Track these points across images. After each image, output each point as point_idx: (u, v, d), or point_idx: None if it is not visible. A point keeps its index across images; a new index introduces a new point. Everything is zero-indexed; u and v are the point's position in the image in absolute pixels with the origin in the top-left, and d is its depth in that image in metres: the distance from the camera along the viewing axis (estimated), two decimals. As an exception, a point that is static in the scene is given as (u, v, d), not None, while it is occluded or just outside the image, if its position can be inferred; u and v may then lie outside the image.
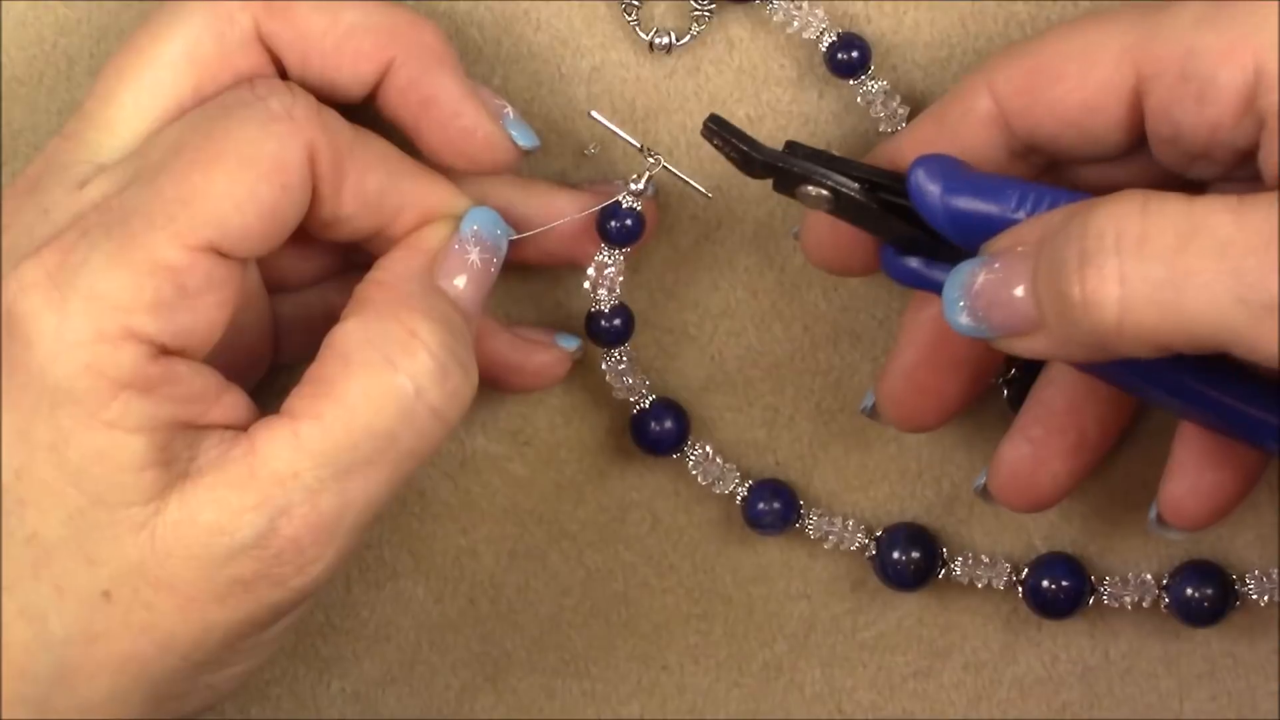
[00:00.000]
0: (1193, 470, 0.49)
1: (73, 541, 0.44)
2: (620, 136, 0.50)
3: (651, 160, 0.50)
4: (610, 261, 0.51)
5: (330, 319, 0.47)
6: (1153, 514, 0.51)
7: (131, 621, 0.45)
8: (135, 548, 0.44)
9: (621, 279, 0.51)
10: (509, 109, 0.49)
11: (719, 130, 0.47)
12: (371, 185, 0.47)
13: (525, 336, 0.52)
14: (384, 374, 0.45)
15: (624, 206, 0.50)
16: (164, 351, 0.45)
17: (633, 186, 0.50)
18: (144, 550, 0.44)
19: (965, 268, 0.44)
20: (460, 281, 0.48)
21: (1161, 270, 0.41)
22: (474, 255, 0.48)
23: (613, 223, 0.50)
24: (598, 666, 0.55)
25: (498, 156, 0.49)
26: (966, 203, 0.46)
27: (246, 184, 0.45)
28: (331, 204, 0.47)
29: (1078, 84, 0.46)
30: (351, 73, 0.48)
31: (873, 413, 0.52)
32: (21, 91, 0.53)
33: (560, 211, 0.51)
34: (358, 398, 0.45)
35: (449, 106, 0.48)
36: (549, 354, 0.52)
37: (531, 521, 0.54)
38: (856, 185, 0.47)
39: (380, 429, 0.45)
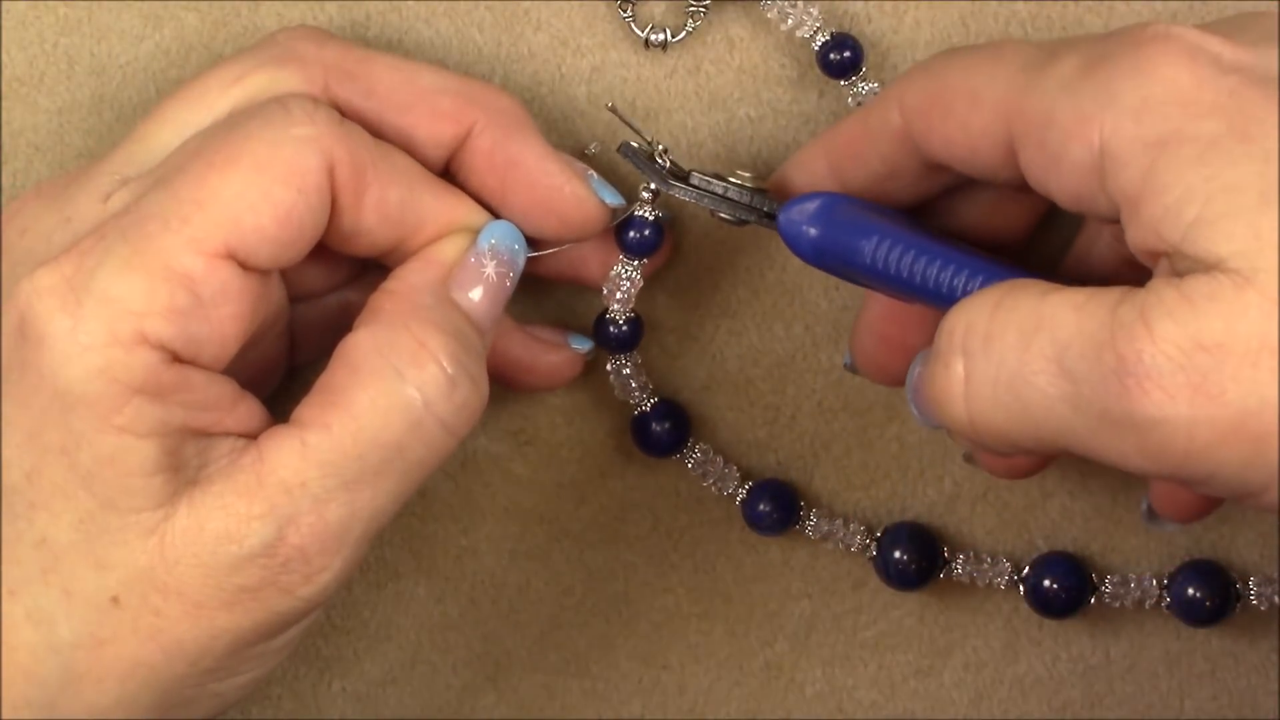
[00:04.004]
0: None
1: (82, 545, 0.45)
2: (635, 131, 0.50)
3: (660, 155, 0.50)
4: (627, 273, 0.51)
5: (347, 321, 0.47)
6: (1144, 506, 0.51)
7: (140, 627, 0.45)
8: (144, 553, 0.44)
9: (636, 291, 0.51)
10: (591, 171, 0.50)
11: (632, 157, 0.49)
12: (393, 199, 0.47)
13: (538, 336, 0.52)
14: (392, 384, 0.45)
15: (640, 217, 0.50)
16: (177, 359, 0.45)
17: (645, 195, 0.50)
18: (153, 556, 0.44)
19: (916, 359, 0.45)
20: (475, 294, 0.48)
21: (1003, 371, 0.41)
22: (490, 269, 0.48)
23: (631, 233, 0.50)
24: (599, 666, 0.55)
25: (588, 215, 0.49)
26: (832, 243, 0.47)
27: (261, 187, 0.45)
28: (351, 216, 0.47)
29: (962, 125, 0.45)
30: (428, 132, 0.48)
31: (852, 366, 0.52)
32: (22, 91, 0.53)
33: None
34: (366, 408, 0.45)
35: (536, 167, 0.48)
36: (560, 355, 0.52)
37: (533, 521, 0.54)
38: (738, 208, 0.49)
39: (388, 440, 0.45)
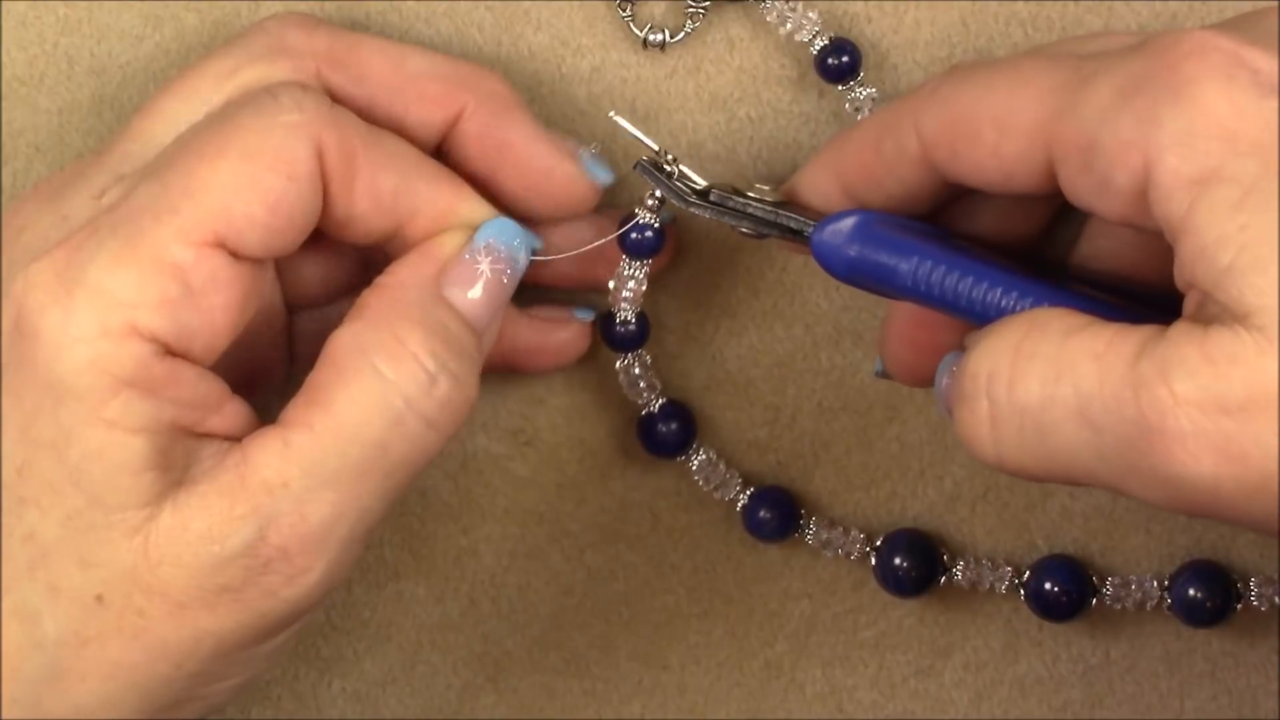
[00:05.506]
0: None
1: (69, 542, 0.45)
2: (640, 139, 0.49)
3: (670, 159, 0.49)
4: (630, 272, 0.50)
5: None
6: None
7: (123, 626, 0.45)
8: (129, 552, 0.44)
9: (643, 289, 0.51)
10: (582, 149, 0.50)
11: (651, 172, 0.49)
12: (385, 184, 0.47)
13: (542, 317, 0.52)
14: (371, 382, 0.45)
15: (641, 220, 0.50)
16: (169, 351, 0.45)
17: (650, 203, 0.50)
18: (137, 555, 0.44)
19: (946, 361, 0.46)
20: (471, 292, 0.47)
21: (1027, 418, 0.41)
22: (485, 265, 0.48)
23: (633, 235, 0.50)
24: (599, 666, 0.55)
25: (576, 194, 0.49)
26: (868, 264, 0.46)
27: (249, 175, 0.45)
28: (344, 202, 0.47)
29: (993, 152, 0.44)
30: (418, 117, 0.48)
31: (884, 373, 0.51)
32: (22, 91, 0.53)
33: (582, 237, 0.51)
34: (346, 406, 0.45)
35: (525, 148, 0.48)
36: (568, 329, 0.52)
37: (532, 521, 0.54)
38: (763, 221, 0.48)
39: (369, 438, 0.45)
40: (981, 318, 0.45)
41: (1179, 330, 0.40)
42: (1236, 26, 0.43)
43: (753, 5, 0.51)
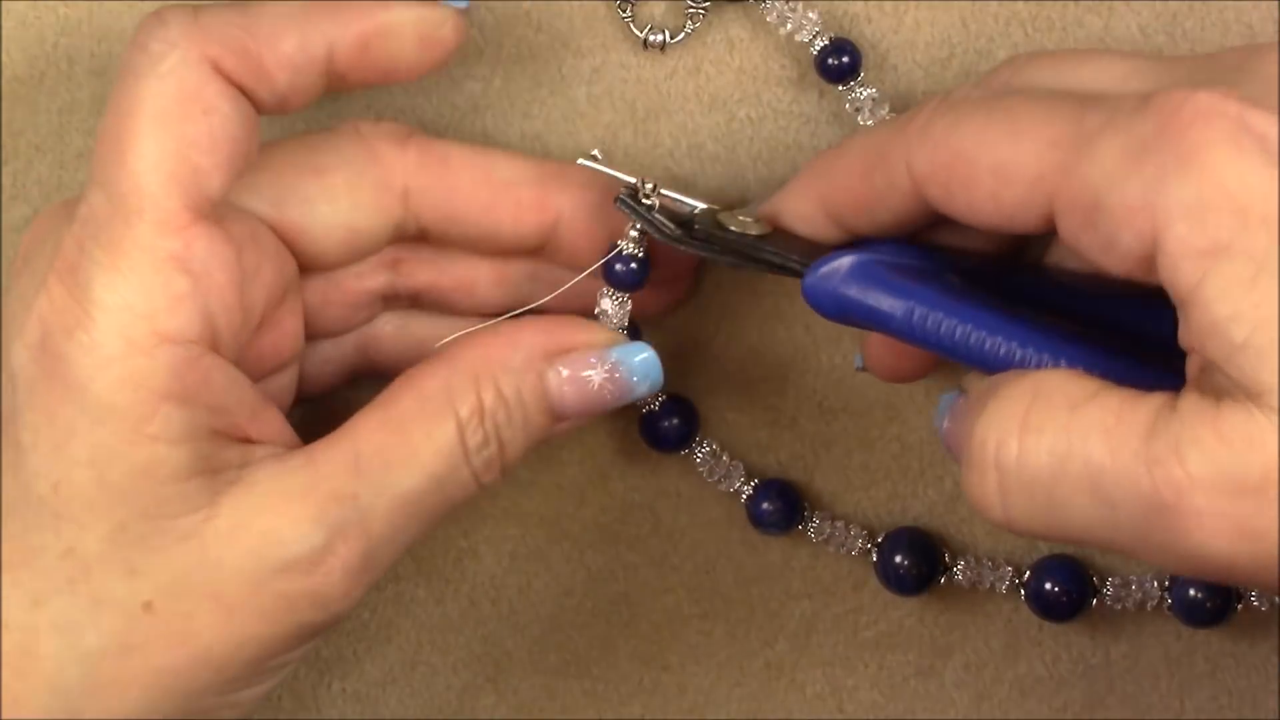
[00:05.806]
0: None
1: (113, 554, 0.44)
2: (615, 175, 0.49)
3: (649, 189, 0.49)
4: (611, 306, 0.50)
5: (362, 358, 0.49)
6: None
7: (171, 633, 0.45)
8: (183, 556, 0.44)
9: (625, 314, 0.50)
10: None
11: (632, 206, 0.48)
12: (289, 47, 0.46)
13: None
14: (451, 426, 0.46)
15: (625, 251, 0.49)
16: (198, 348, 0.45)
17: (632, 234, 0.49)
18: (192, 559, 0.45)
19: (945, 401, 0.45)
20: (569, 388, 0.48)
21: (1038, 489, 0.41)
22: (596, 374, 0.48)
23: (617, 265, 0.50)
24: (599, 667, 0.55)
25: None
26: (859, 308, 0.46)
27: (172, 137, 0.45)
28: (265, 87, 0.46)
29: (991, 197, 0.43)
30: (515, 226, 0.49)
31: (865, 369, 0.51)
32: (22, 91, 0.53)
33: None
34: (423, 440, 0.46)
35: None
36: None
37: (533, 523, 0.54)
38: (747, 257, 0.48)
39: (433, 472, 0.46)
40: (979, 364, 0.45)
41: (1190, 405, 0.40)
42: (1238, 72, 0.43)
43: (753, 5, 0.51)
